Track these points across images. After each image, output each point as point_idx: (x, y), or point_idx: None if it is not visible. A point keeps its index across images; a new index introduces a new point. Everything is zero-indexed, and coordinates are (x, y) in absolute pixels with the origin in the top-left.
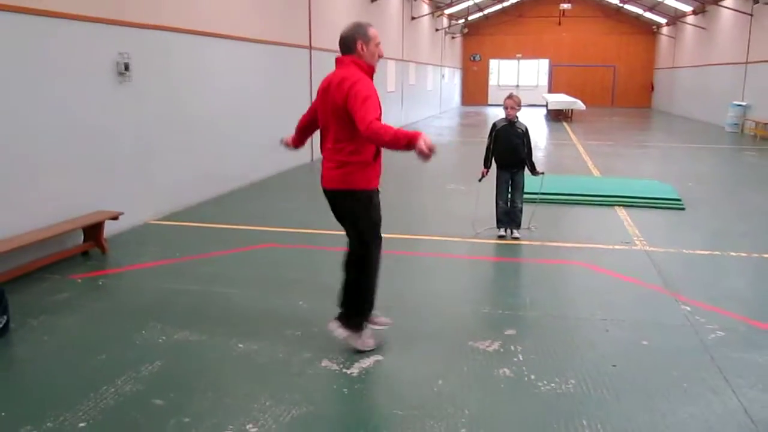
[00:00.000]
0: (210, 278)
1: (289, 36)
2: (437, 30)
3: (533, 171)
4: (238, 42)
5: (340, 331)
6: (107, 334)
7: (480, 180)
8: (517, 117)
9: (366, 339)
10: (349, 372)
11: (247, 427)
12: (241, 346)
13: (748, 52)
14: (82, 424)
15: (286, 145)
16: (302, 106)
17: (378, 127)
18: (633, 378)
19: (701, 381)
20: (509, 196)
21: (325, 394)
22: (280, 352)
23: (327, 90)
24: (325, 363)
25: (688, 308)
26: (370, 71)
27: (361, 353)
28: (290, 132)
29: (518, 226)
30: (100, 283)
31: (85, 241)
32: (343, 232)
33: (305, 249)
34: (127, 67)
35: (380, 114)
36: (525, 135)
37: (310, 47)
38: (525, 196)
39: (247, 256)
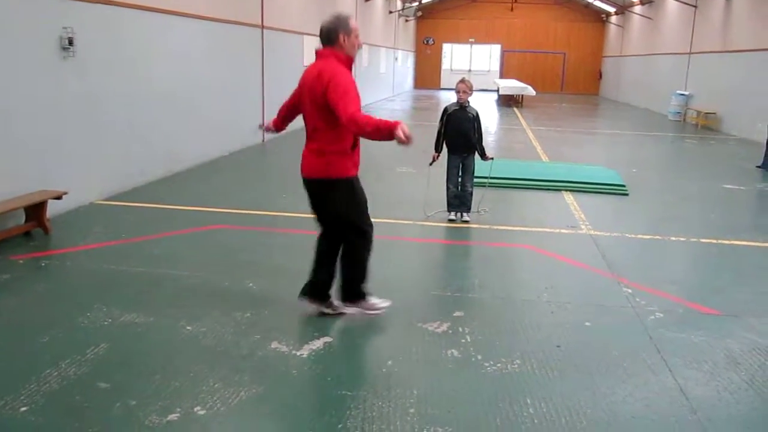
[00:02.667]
0: (158, 260)
1: (241, 14)
2: (391, 12)
3: (483, 156)
4: (187, 18)
5: (350, 309)
6: (50, 316)
7: (431, 164)
8: (468, 101)
9: (375, 302)
10: (298, 353)
11: (195, 409)
12: (189, 328)
13: (691, 42)
14: (23, 408)
15: (267, 129)
16: (254, 86)
17: (360, 119)
18: (576, 358)
19: (640, 360)
20: (459, 180)
21: (275, 376)
22: (229, 334)
23: (307, 81)
24: (274, 345)
25: (630, 291)
26: (349, 63)
27: (310, 335)
28: (243, 113)
29: (468, 209)
30: (43, 264)
31: (27, 221)
32: (297, 214)
33: (256, 230)
34: (71, 42)
35: (360, 104)
36: (476, 119)
37: (262, 26)
38: (475, 180)
39: (197, 237)
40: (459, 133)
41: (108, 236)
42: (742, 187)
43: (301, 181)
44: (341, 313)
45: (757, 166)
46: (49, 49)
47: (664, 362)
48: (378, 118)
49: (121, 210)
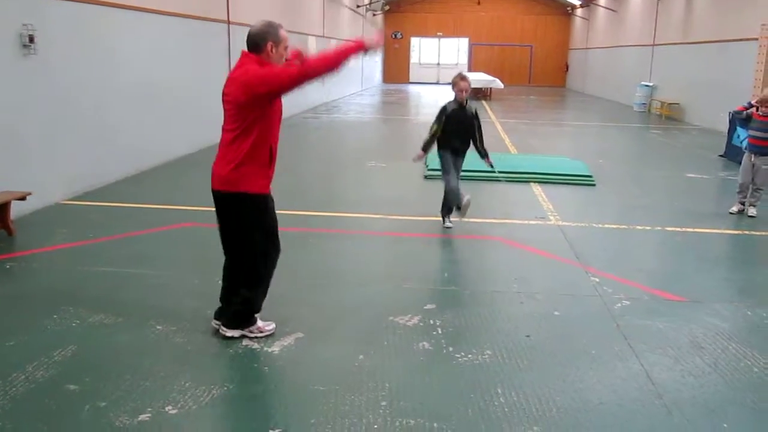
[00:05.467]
0: (126, 259)
1: (205, 9)
2: (358, 6)
3: (485, 157)
4: (153, 14)
5: (231, 332)
6: (16, 319)
7: (414, 161)
8: (467, 100)
9: (261, 324)
10: (270, 350)
11: (167, 408)
12: (159, 327)
13: (654, 34)
14: None
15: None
16: (220, 83)
17: (308, 65)
18: (545, 347)
19: (608, 348)
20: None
21: (246, 373)
22: (199, 333)
23: (227, 88)
24: (246, 342)
25: (597, 279)
26: None
27: (281, 331)
28: (210, 109)
29: (458, 207)
30: (8, 266)
31: None
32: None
33: None
34: (32, 39)
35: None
36: (476, 117)
37: (228, 22)
38: (437, 172)
39: (166, 235)
40: (460, 134)
41: (74, 237)
42: (705, 176)
43: (211, 192)
44: (272, 335)
45: (720, 155)
46: (9, 47)
47: (630, 349)
48: (321, 54)
49: (88, 210)
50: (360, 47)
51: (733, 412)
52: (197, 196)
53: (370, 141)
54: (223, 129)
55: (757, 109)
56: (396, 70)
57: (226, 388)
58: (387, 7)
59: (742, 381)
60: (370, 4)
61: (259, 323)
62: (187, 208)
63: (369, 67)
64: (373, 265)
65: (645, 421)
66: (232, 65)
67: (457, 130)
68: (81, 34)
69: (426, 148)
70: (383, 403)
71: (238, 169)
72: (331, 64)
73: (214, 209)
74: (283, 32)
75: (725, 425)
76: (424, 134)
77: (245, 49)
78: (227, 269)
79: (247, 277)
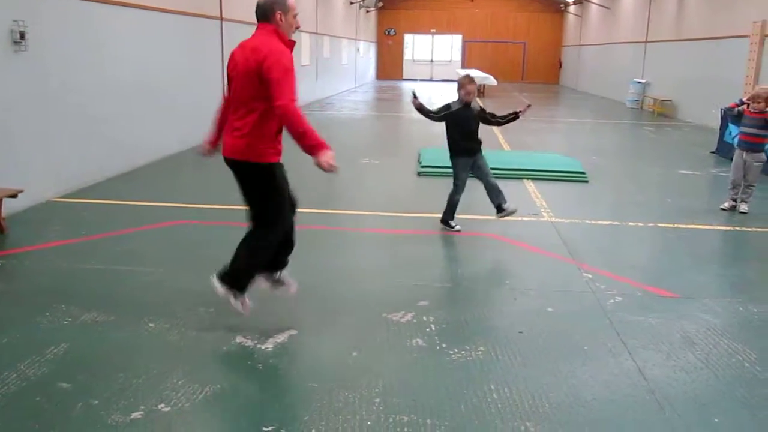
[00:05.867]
0: (119, 257)
1: (198, 5)
2: (352, 3)
3: (516, 115)
4: (142, 11)
5: (219, 286)
6: (8, 317)
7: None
8: (469, 99)
9: (243, 303)
10: (263, 347)
11: (159, 407)
12: (152, 325)
13: (647, 31)
14: None
15: (205, 153)
16: (213, 80)
17: (296, 113)
18: (538, 343)
19: (601, 344)
20: (483, 184)
21: (240, 371)
22: (193, 330)
23: (239, 56)
24: (239, 339)
25: (590, 276)
26: (290, 43)
27: (275, 328)
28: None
29: (504, 200)
30: (0, 264)
31: None
32: None
33: (220, 225)
34: (23, 36)
35: (296, 93)
36: (482, 111)
37: (221, 18)
38: (430, 169)
39: (159, 233)
40: (466, 135)
41: (67, 234)
42: (697, 173)
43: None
44: (242, 314)
45: (711, 152)
46: (0, 43)
47: (623, 345)
48: (311, 127)
49: (80, 207)
50: (324, 150)
51: (724, 406)
52: (190, 194)
53: (363, 138)
54: (231, 94)
55: (748, 106)
56: (390, 67)
57: (219, 386)
58: (380, 4)
59: (733, 376)
60: (363, 1)
61: (245, 297)
62: (180, 205)
63: (363, 64)
64: (366, 262)
65: (637, 416)
66: (225, 62)
67: (464, 132)
68: (73, 31)
69: (422, 109)
70: (377, 400)
71: (244, 138)
72: (306, 140)
73: (207, 206)
74: (291, 1)
75: (716, 420)
76: (418, 132)
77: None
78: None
79: (249, 242)
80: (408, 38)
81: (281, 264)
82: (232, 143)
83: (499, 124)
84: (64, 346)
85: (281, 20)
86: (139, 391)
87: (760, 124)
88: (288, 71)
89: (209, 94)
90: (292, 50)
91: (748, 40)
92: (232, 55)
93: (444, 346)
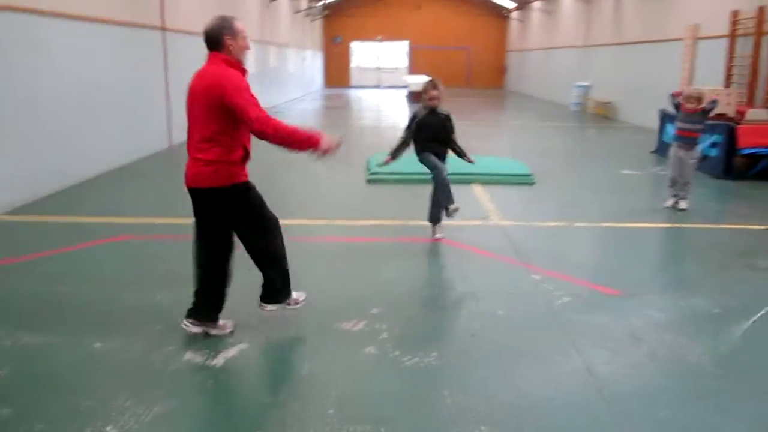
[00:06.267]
0: (59, 276)
1: (137, 15)
2: (297, 12)
3: (464, 156)
4: (84, 22)
5: (270, 307)
6: None
7: (380, 166)
8: (436, 105)
9: (296, 296)
10: (213, 363)
11: (106, 429)
12: (97, 345)
13: (588, 36)
14: None
15: None
16: (158, 90)
17: (273, 123)
18: (490, 346)
19: (550, 344)
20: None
21: (189, 388)
22: (139, 349)
23: (198, 87)
24: (188, 356)
25: (539, 277)
26: (241, 68)
27: (224, 343)
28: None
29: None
30: None
31: None
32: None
33: (164, 239)
34: None
35: (261, 108)
36: (448, 119)
37: (164, 28)
38: (380, 176)
39: (101, 250)
40: (435, 139)
41: (6, 253)
42: (638, 172)
43: (187, 191)
44: (231, 332)
45: (651, 152)
46: None
47: (572, 344)
48: (294, 126)
49: (18, 225)
50: (320, 139)
51: (669, 400)
52: (133, 208)
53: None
54: (192, 126)
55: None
56: (337, 74)
57: (168, 405)
58: (326, 12)
59: (677, 370)
60: (309, 9)
61: (294, 294)
62: (124, 220)
63: (310, 72)
64: (316, 272)
65: (587, 415)
66: (170, 73)
67: (431, 136)
68: (9, 42)
69: (394, 154)
70: (330, 411)
71: (211, 165)
72: (295, 140)
73: (150, 221)
74: (238, 24)
75: (662, 414)
76: (367, 139)
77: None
78: (206, 266)
79: (263, 258)
80: (355, 45)
81: (205, 312)
82: (197, 172)
83: (452, 146)
84: (5, 370)
85: (231, 45)
86: (85, 413)
87: (695, 119)
88: (248, 91)
89: (153, 106)
90: (244, 73)
91: (683, 43)
92: (191, 89)
93: (397, 353)
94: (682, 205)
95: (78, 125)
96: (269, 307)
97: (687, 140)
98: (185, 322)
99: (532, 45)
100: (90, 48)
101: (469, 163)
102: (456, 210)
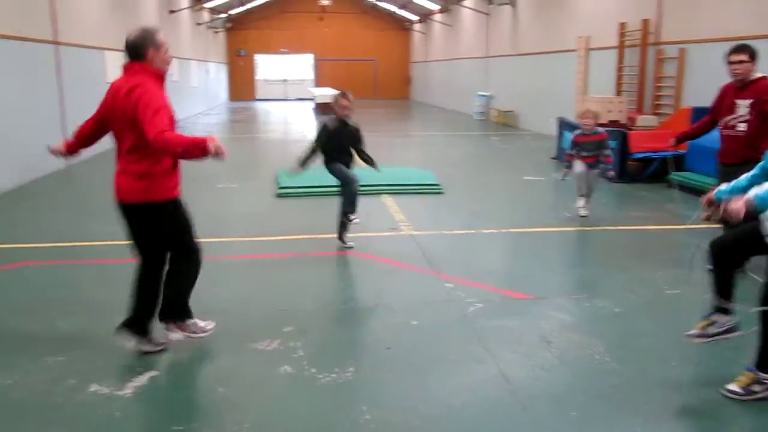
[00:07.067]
0: None
1: (26, 28)
2: (199, 24)
3: (373, 164)
4: None
5: (174, 331)
6: None
7: (290, 173)
8: (346, 116)
9: (201, 324)
10: (121, 393)
11: None
12: None
13: (487, 47)
14: None
15: (55, 152)
16: (51, 107)
17: (169, 139)
18: (406, 358)
19: (465, 351)
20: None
21: (95, 422)
22: (40, 383)
23: (116, 98)
24: (93, 388)
25: (451, 285)
26: (160, 78)
27: (133, 371)
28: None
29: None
30: None
31: None
32: (108, 242)
33: (64, 264)
34: None
35: (173, 123)
36: (358, 131)
37: (56, 42)
38: (288, 190)
39: None
40: (345, 150)
41: None
42: (540, 178)
43: (116, 206)
44: (163, 349)
45: (552, 158)
46: None
47: (486, 350)
48: (189, 136)
49: None
50: (208, 141)
51: (580, 400)
52: (29, 233)
53: (218, 162)
54: (117, 139)
55: (576, 144)
56: (242, 88)
57: None
58: (229, 25)
59: (586, 369)
60: (211, 21)
61: (201, 323)
62: (18, 245)
63: (214, 86)
64: (228, 291)
65: (503, 419)
66: (65, 90)
67: (341, 146)
68: None
69: (303, 163)
70: None
71: (143, 179)
72: (190, 151)
73: (47, 245)
74: (161, 36)
75: (573, 413)
76: (276, 152)
77: (126, 62)
78: (144, 279)
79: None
80: (259, 58)
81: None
82: (128, 187)
83: (360, 154)
84: None
85: (153, 57)
86: None
87: (594, 146)
88: (157, 110)
89: (47, 124)
90: (163, 82)
91: (576, 54)
92: (110, 100)
93: (313, 371)
94: (582, 212)
95: None
96: (172, 330)
97: (593, 164)
98: (119, 332)
99: (436, 56)
100: None
101: (377, 171)
102: (356, 222)
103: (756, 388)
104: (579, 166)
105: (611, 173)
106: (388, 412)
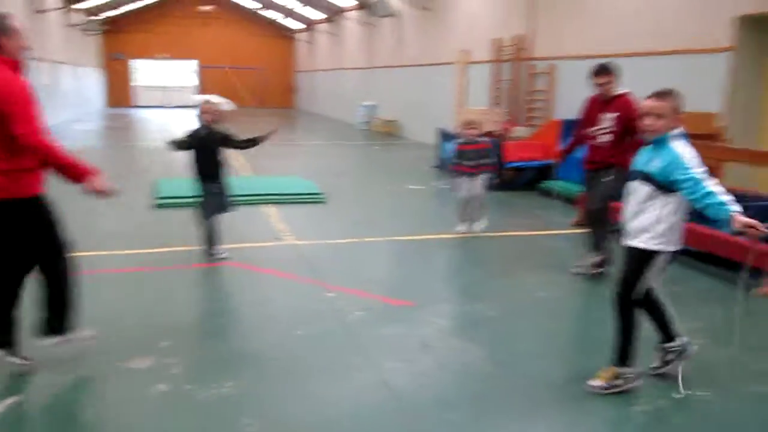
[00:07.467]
0: None
1: None
2: (71, 26)
3: (259, 140)
4: None
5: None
6: None
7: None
8: (214, 123)
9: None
10: None
11: None
12: None
13: (371, 58)
14: None
15: None
16: None
17: (52, 147)
18: (288, 368)
19: (347, 360)
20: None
21: None
22: None
23: None
24: None
25: (333, 294)
26: (17, 67)
27: None
28: None
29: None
30: None
31: None
32: None
33: None
34: None
35: (41, 119)
36: (225, 133)
37: None
38: (168, 201)
39: None
40: (210, 158)
41: None
42: (423, 187)
43: None
44: (28, 364)
45: (433, 167)
46: None
47: (367, 358)
48: (72, 157)
49: None
50: (95, 175)
51: (461, 403)
52: None
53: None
54: None
55: (460, 153)
56: (119, 94)
57: None
58: (106, 27)
59: (465, 373)
60: (85, 23)
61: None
62: None
63: (89, 91)
64: (99, 307)
65: (388, 427)
66: None
67: (206, 154)
68: None
69: (176, 145)
70: None
71: (4, 175)
72: (71, 170)
73: None
74: (15, 23)
75: (453, 417)
76: (154, 161)
77: None
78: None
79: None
80: (137, 63)
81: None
82: None
83: (240, 147)
84: None
85: (6, 45)
86: None
87: (477, 155)
88: (27, 104)
89: None
90: (20, 72)
91: (455, 67)
92: None
93: (189, 387)
94: (477, 227)
95: None
96: (51, 340)
97: (473, 174)
98: None
99: (321, 66)
100: None
101: (270, 132)
102: (224, 256)
103: (617, 381)
104: (464, 189)
105: (495, 181)
106: (269, 424)
